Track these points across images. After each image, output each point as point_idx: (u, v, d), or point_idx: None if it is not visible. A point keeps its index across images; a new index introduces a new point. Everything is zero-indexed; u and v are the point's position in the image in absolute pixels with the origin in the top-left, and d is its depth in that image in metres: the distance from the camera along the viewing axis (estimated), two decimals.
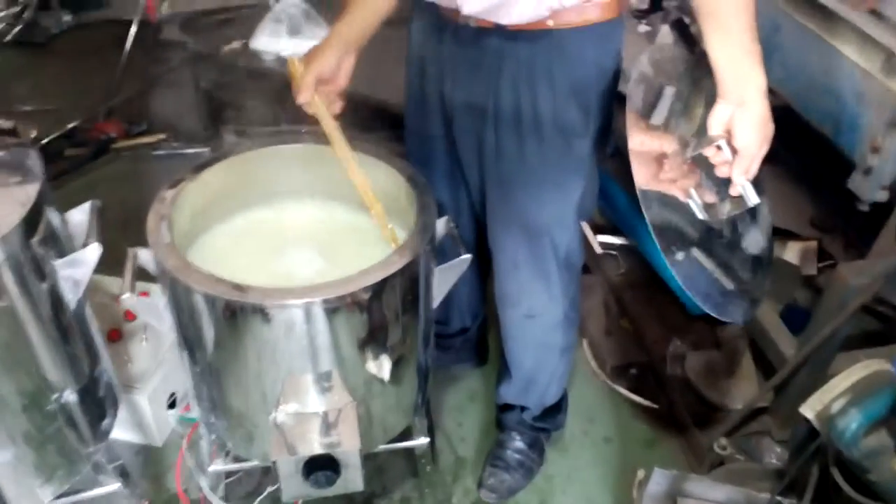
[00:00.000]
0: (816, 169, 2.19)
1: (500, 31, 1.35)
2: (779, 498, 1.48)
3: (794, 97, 1.77)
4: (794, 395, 1.80)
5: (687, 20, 2.30)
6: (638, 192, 1.32)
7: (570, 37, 1.35)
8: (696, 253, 1.46)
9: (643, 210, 1.32)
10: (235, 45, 2.93)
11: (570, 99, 1.40)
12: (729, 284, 1.51)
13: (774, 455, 1.90)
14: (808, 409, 1.41)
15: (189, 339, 1.33)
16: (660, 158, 1.38)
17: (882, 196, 1.61)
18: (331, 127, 1.42)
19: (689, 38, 2.27)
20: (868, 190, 1.60)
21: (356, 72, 1.43)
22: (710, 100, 1.27)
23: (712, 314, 1.43)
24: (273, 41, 2.82)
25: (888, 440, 1.32)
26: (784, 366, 1.78)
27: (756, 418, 1.96)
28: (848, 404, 1.34)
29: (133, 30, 3.60)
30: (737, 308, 1.52)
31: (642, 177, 1.35)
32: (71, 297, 1.29)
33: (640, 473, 1.59)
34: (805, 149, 1.96)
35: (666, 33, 2.37)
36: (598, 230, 2.54)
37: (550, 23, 1.33)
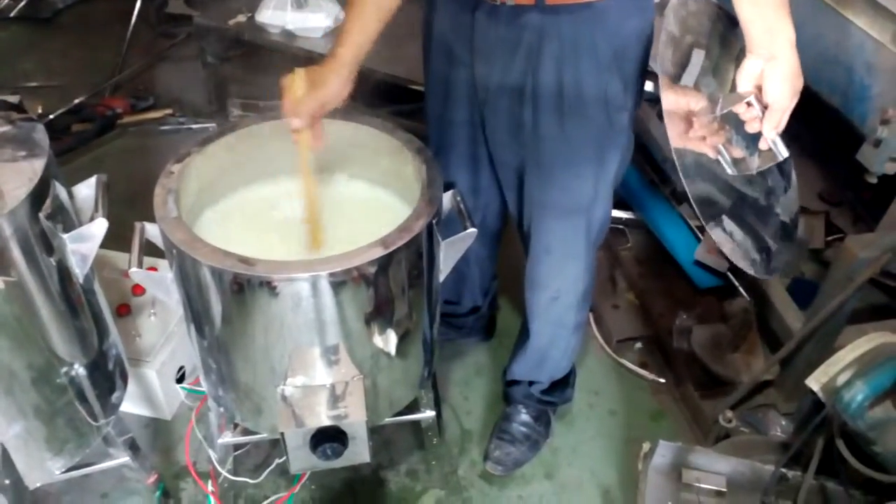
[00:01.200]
0: (825, 142, 2.18)
1: (540, 7, 1.32)
2: (783, 469, 1.49)
3: (805, 69, 1.75)
4: (800, 369, 1.80)
5: None
6: (673, 152, 1.32)
7: (612, 8, 1.32)
8: (725, 224, 1.45)
9: (679, 169, 1.32)
10: (241, 18, 2.90)
11: (613, 71, 1.38)
12: (764, 242, 1.51)
13: (780, 427, 1.91)
14: (814, 382, 1.41)
15: (196, 313, 1.34)
16: (688, 116, 1.37)
17: (891, 168, 1.60)
18: (306, 163, 1.40)
19: None
20: (877, 162, 1.58)
21: None
22: (738, 55, 1.25)
23: (748, 271, 1.43)
24: (278, 14, 2.80)
25: (893, 412, 1.32)
26: (791, 339, 1.78)
27: (762, 391, 1.97)
28: (854, 376, 1.35)
29: (138, 4, 3.59)
30: (770, 264, 1.51)
31: (675, 136, 1.34)
32: (79, 271, 1.30)
33: (646, 446, 1.60)
34: (814, 121, 1.94)
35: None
36: None
37: None
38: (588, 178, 1.50)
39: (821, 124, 1.92)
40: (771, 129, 1.24)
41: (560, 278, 1.66)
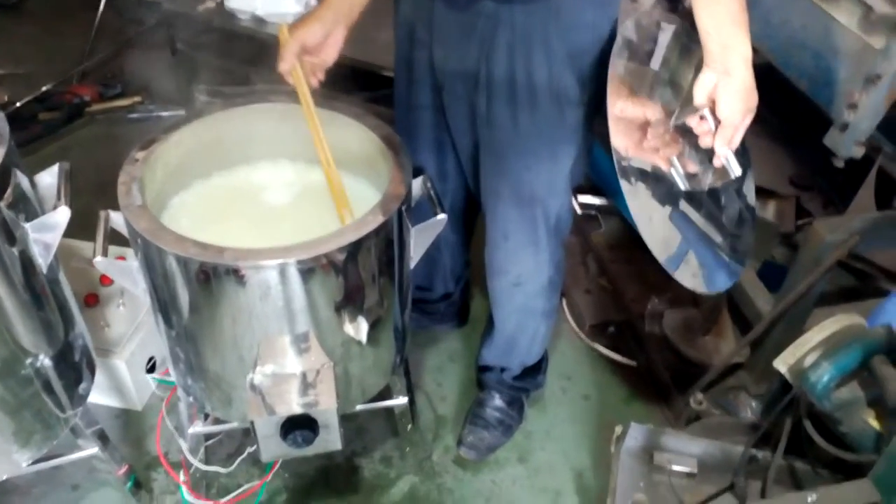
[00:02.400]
0: (795, 127, 2.19)
1: None
2: (753, 450, 1.50)
3: (773, 53, 1.76)
4: (769, 351, 1.82)
5: None
6: (615, 160, 1.31)
7: (568, 0, 1.30)
8: (682, 207, 1.46)
9: (619, 178, 1.32)
10: (210, 4, 2.87)
11: (566, 66, 1.36)
12: (717, 237, 1.51)
13: (750, 409, 1.93)
14: (782, 363, 1.43)
15: (163, 303, 1.32)
16: (643, 126, 1.36)
17: (858, 152, 1.61)
18: (306, 99, 1.41)
19: None
20: (844, 146, 1.59)
21: None
22: (697, 68, 1.25)
23: (695, 289, 1.44)
24: (248, 0, 2.77)
25: (859, 392, 1.34)
26: (760, 322, 1.80)
27: (733, 374, 1.99)
28: (820, 357, 1.36)
29: None
30: (720, 273, 1.52)
31: (622, 144, 1.34)
32: (42, 261, 1.28)
33: (618, 429, 1.61)
34: (784, 106, 1.95)
35: None
36: (577, 190, 2.54)
37: None
38: (540, 171, 1.49)
39: (791, 109, 1.93)
40: (723, 145, 1.24)
41: (519, 264, 1.64)
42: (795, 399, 1.41)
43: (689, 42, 1.38)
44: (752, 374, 1.97)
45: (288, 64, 1.38)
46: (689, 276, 1.44)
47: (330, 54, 1.41)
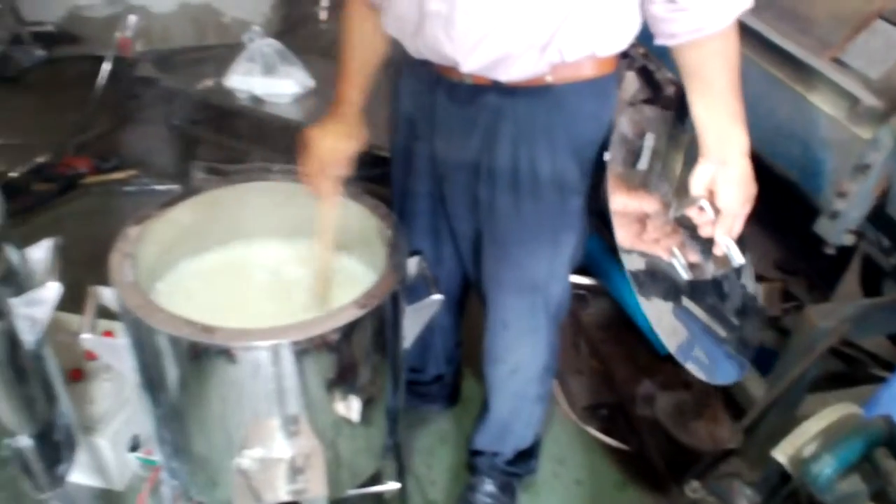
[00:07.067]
0: (778, 213, 2.22)
1: (497, 87, 1.32)
2: None
3: (761, 143, 1.78)
4: (763, 437, 1.79)
5: (651, 67, 2.33)
6: (620, 253, 1.32)
7: (570, 92, 1.32)
8: (685, 303, 1.45)
9: (627, 272, 1.32)
10: (209, 82, 2.92)
11: (568, 155, 1.37)
12: (721, 332, 1.51)
13: (745, 498, 1.88)
14: (781, 454, 1.40)
15: (151, 381, 1.30)
16: (643, 218, 1.37)
17: (848, 240, 1.63)
18: (329, 220, 1.46)
19: (654, 84, 2.30)
20: (835, 234, 1.61)
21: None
22: (690, 159, 1.27)
23: (705, 379, 1.43)
24: (246, 80, 2.83)
25: (861, 485, 1.31)
26: (753, 407, 1.78)
27: (726, 460, 1.95)
28: (820, 448, 1.34)
29: (106, 66, 3.58)
30: (727, 366, 1.52)
31: (625, 238, 1.35)
32: (29, 336, 1.25)
33: None
34: (766, 193, 1.98)
35: (631, 80, 2.41)
36: None
37: (549, 78, 1.30)
38: (542, 257, 1.49)
39: (773, 195, 1.96)
40: (723, 234, 1.25)
41: (518, 353, 1.63)
42: (795, 490, 1.38)
43: (681, 134, 1.41)
44: (746, 461, 1.92)
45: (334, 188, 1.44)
46: (697, 366, 1.44)
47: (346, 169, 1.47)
